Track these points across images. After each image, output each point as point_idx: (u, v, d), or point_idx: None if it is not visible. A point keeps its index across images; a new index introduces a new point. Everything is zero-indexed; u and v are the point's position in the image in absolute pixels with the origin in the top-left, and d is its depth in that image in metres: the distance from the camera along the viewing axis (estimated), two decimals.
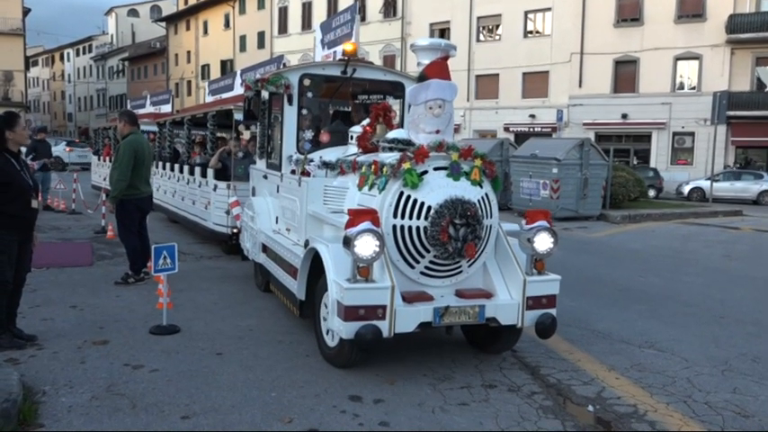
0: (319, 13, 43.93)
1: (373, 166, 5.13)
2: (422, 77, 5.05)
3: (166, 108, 18.26)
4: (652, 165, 33.37)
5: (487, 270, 5.23)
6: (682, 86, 33.95)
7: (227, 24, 54.98)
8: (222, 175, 9.91)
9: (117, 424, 3.90)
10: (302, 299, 5.57)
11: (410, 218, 4.86)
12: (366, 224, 4.54)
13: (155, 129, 15.06)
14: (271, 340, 5.69)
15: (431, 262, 4.94)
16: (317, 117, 7.26)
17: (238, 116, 9.76)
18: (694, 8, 33.21)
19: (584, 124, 34.91)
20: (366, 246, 4.50)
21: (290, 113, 6.66)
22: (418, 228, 4.84)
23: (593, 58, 34.97)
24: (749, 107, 31.56)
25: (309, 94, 6.72)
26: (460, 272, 5.10)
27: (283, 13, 48.98)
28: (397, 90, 7.13)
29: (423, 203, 4.84)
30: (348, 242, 4.51)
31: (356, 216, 4.56)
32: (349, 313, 4.49)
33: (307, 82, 6.68)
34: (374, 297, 4.54)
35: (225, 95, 12.71)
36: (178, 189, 12.26)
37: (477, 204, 4.90)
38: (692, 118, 32.92)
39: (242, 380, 4.68)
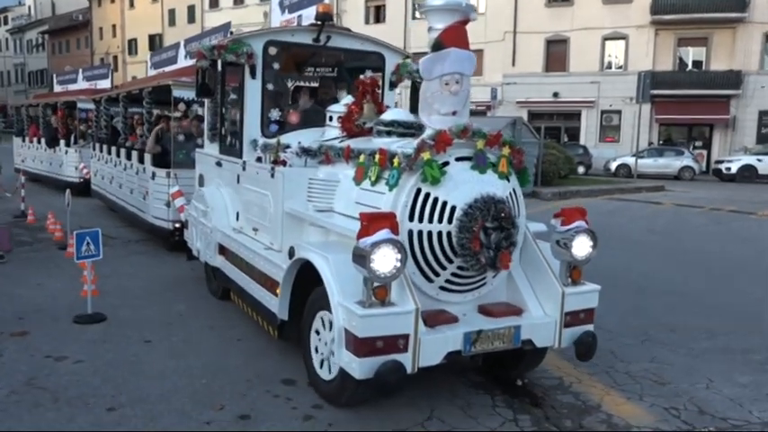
0: None
1: (379, 156, 3.95)
2: (437, 45, 3.87)
3: (104, 83, 16.19)
4: (581, 142, 33.34)
5: (513, 279, 4.16)
6: (609, 66, 34.01)
7: None
8: (162, 160, 8.43)
9: (38, 419, 3.69)
10: (284, 318, 4.37)
11: (430, 221, 3.73)
12: (384, 233, 3.38)
13: (92, 106, 13.24)
14: (201, 326, 5.42)
15: (453, 274, 3.84)
16: (283, 93, 5.96)
17: (178, 93, 8.30)
18: None
19: (518, 102, 34.50)
20: (386, 260, 3.35)
21: (253, 89, 5.35)
22: (440, 233, 3.73)
23: (526, 37, 34.50)
24: (672, 86, 31.85)
25: (276, 66, 5.42)
26: (485, 284, 4.03)
27: None
28: (375, 62, 5.91)
29: (445, 203, 3.72)
30: (362, 256, 3.35)
31: (371, 222, 3.39)
32: (364, 347, 3.34)
33: (273, 51, 5.37)
34: (395, 325, 3.41)
35: (168, 69, 11.03)
36: (116, 175, 10.64)
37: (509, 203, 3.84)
38: (619, 96, 33.03)
39: (171, 368, 4.47)
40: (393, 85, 5.98)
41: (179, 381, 4.24)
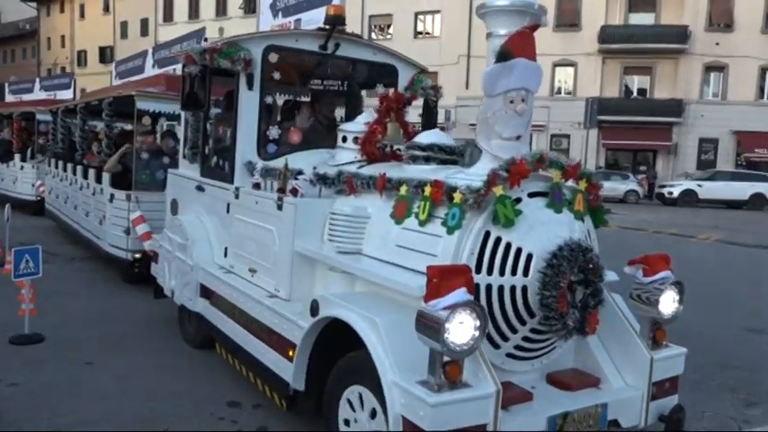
0: (207, 3, 40.40)
1: (431, 189, 3.10)
2: (503, 55, 3.08)
3: (66, 94, 14.66)
4: None
5: (583, 341, 3.38)
6: (559, 91, 34.29)
7: (106, 8, 49.14)
8: (123, 181, 7.30)
9: None
10: (300, 389, 3.43)
11: (501, 273, 2.90)
12: (461, 293, 2.52)
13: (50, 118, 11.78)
14: (147, 347, 5.16)
15: (525, 338, 3.02)
16: (282, 108, 5.03)
17: (142, 105, 7.22)
18: (571, 18, 33.59)
19: (471, 125, 34.19)
20: (463, 329, 2.50)
21: (250, 101, 4.41)
22: (514, 289, 2.90)
23: (480, 60, 34.38)
24: (618, 113, 32.21)
25: (276, 75, 4.50)
26: (555, 347, 3.23)
27: (168, 1, 44.50)
28: (386, 76, 5.07)
29: (519, 250, 2.90)
30: (434, 325, 2.48)
31: (443, 278, 2.52)
32: None
33: (273, 57, 4.45)
34: (472, 413, 2.53)
35: (135, 78, 9.83)
36: (71, 194, 9.34)
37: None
38: (568, 121, 33.23)
39: (113, 390, 4.27)
40: (406, 103, 5.15)
41: (121, 403, 4.05)
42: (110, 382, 4.37)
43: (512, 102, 3.12)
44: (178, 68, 8.70)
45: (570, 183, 3.19)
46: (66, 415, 3.84)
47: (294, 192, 3.78)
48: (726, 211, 25.01)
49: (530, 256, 2.90)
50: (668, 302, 3.25)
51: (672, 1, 31.87)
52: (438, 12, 35.05)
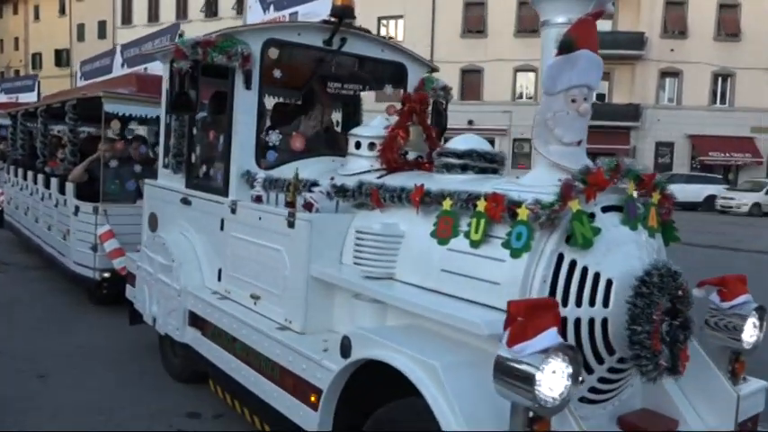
0: (167, 6, 39.14)
1: (487, 203, 2.58)
2: (566, 45, 2.60)
3: (29, 96, 13.55)
4: None
5: None
6: (521, 96, 34.40)
7: (62, 10, 47.10)
8: (89, 191, 6.56)
9: None
10: None
11: (578, 304, 2.41)
12: (552, 335, 2.01)
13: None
14: (104, 358, 4.98)
15: (601, 379, 2.54)
16: (274, 110, 4.44)
17: (111, 107, 6.48)
18: (531, 24, 33.54)
19: None
20: (556, 380, 2.00)
21: (248, 103, 3.82)
22: (592, 321, 2.42)
23: (442, 66, 33.87)
24: None
25: (277, 74, 3.93)
26: (627, 387, 2.76)
27: (127, 2, 42.77)
28: (395, 75, 4.54)
29: (597, 276, 2.42)
30: (520, 374, 1.97)
31: (530, 315, 2.01)
32: None
33: (273, 53, 3.87)
34: None
35: (102, 78, 8.99)
36: (31, 205, 8.49)
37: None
38: (530, 125, 32.53)
39: (68, 403, 4.12)
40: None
41: (76, 417, 3.90)
42: (64, 395, 4.23)
43: (573, 101, 2.65)
44: (150, 67, 8.03)
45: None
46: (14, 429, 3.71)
47: (308, 206, 3.22)
48: (682, 213, 25.33)
49: (609, 283, 2.42)
50: (750, 331, 2.82)
51: (628, 8, 32.28)
52: (401, 17, 34.73)
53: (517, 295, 2.38)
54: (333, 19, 3.96)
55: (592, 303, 2.41)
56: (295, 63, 4.12)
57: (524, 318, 2.00)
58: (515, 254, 2.43)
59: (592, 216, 2.48)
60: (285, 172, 3.76)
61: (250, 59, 3.73)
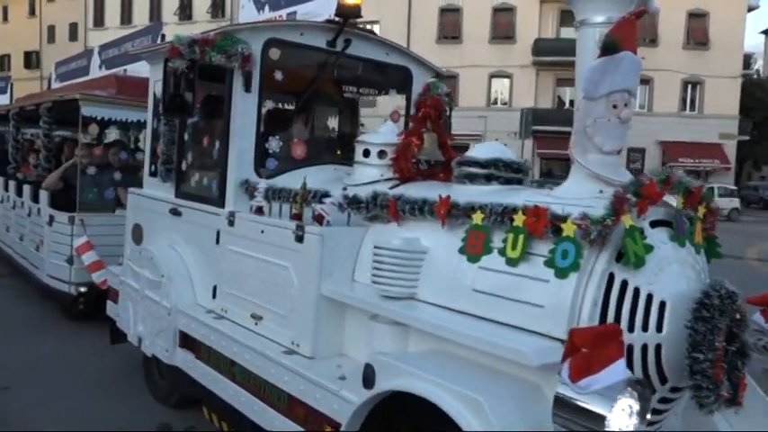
0: (141, 8, 38.33)
1: (525, 218, 2.35)
2: (611, 46, 2.39)
3: (2, 99, 12.91)
4: None
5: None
6: (496, 102, 34.52)
7: (32, 12, 45.70)
8: (64, 200, 6.17)
9: None
10: None
11: (630, 329, 2.19)
12: (620, 368, 1.78)
13: None
14: (72, 368, 4.82)
15: (651, 410, 2.32)
16: (282, 116, 4.14)
17: (88, 110, 6.09)
18: (505, 31, 33.94)
19: None
20: (624, 418, 1.77)
21: (247, 107, 3.53)
22: (645, 348, 2.20)
23: None
24: (551, 123, 32.62)
25: (278, 76, 3.64)
26: (672, 415, 2.54)
27: (99, 3, 41.67)
28: (399, 80, 4.29)
29: (650, 297, 2.21)
30: (588, 414, 1.74)
31: (595, 346, 1.78)
32: None
33: (275, 54, 3.59)
34: None
35: (80, 80, 8.53)
36: (2, 214, 8.02)
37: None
38: (504, 131, 33.33)
39: (33, 415, 3.98)
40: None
41: (42, 429, 3.78)
42: (28, 407, 4.10)
43: (615, 106, 2.45)
44: (131, 69, 7.65)
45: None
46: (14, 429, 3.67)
47: (319, 219, 2.94)
48: None
49: (662, 305, 2.20)
50: None
51: None
52: (377, 22, 34.52)
53: (565, 320, 2.15)
54: (337, 19, 3.68)
55: (645, 328, 2.19)
56: (296, 65, 3.84)
57: (591, 349, 1.77)
58: (561, 274, 2.19)
59: (641, 232, 2.26)
60: (287, 181, 3.49)
61: (250, 60, 3.44)
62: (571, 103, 34.25)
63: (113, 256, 5.27)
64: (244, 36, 3.44)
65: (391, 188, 3.15)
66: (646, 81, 32.92)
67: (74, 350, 5.24)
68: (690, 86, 32.82)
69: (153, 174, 4.43)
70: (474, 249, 2.51)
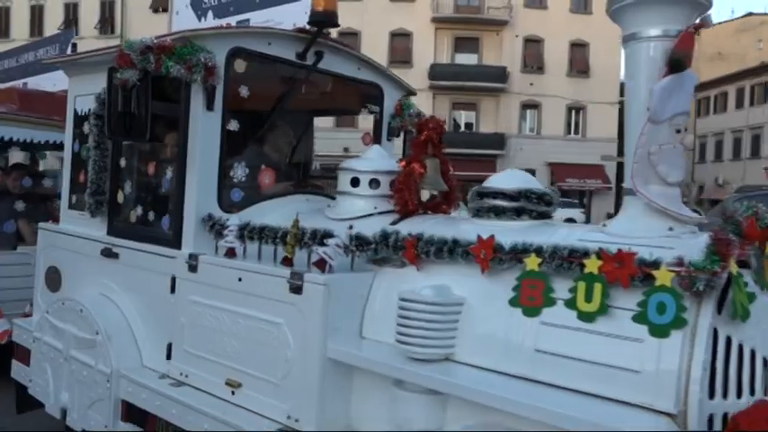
0: (52, 20, 35.02)
1: (601, 263, 1.93)
2: (678, 64, 2.08)
3: None
4: None
5: None
6: None
7: None
8: None
9: None
10: None
11: (738, 394, 1.84)
12: None
13: None
14: None
15: None
16: (246, 139, 3.50)
17: None
18: (403, 55, 34.38)
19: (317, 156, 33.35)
20: None
21: (209, 127, 2.92)
22: None
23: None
24: (448, 145, 32.70)
25: (243, 91, 3.06)
26: None
27: (4, 14, 37.63)
28: (369, 98, 3.83)
29: (753, 354, 1.88)
30: None
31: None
32: None
33: (239, 65, 3.02)
34: None
35: None
36: None
37: None
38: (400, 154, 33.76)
39: None
40: (392, 133, 3.96)
41: None
42: None
43: (678, 131, 2.13)
44: (32, 82, 6.63)
45: None
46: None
47: (321, 265, 2.39)
48: None
49: (765, 363, 1.89)
50: None
51: (492, 44, 33.91)
52: (357, 33, 33.72)
53: (673, 389, 1.76)
54: (311, 28, 3.16)
55: (752, 391, 1.85)
56: (263, 79, 3.26)
57: None
58: (661, 332, 1.81)
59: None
60: (254, 215, 2.91)
61: (214, 72, 2.84)
62: (466, 126, 35.30)
63: (13, 302, 4.40)
64: (206, 43, 2.84)
65: (392, 224, 2.68)
66: (534, 106, 34.57)
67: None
68: (573, 111, 34.73)
69: (74, 206, 3.65)
70: (531, 301, 2.08)
